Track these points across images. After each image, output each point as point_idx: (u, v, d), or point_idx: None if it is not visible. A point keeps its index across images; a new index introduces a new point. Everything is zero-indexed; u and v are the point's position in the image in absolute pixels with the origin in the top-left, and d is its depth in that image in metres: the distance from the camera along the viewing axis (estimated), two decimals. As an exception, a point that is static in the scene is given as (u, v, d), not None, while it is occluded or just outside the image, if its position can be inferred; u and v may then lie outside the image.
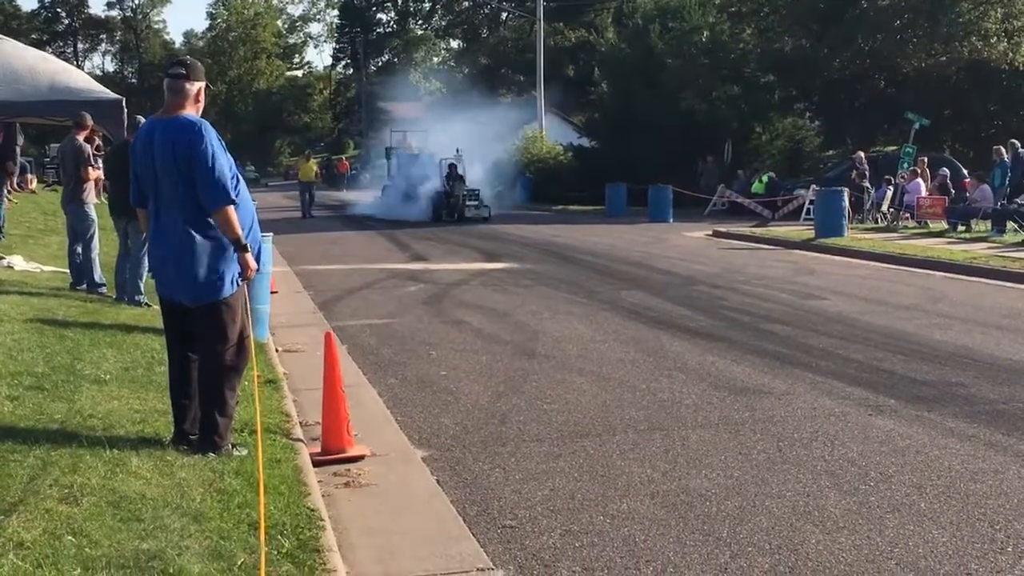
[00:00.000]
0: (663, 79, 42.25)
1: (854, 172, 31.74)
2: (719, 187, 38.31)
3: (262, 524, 5.11)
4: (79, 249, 14.21)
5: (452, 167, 36.20)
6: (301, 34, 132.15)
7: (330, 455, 7.40)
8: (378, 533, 6.12)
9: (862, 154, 33.49)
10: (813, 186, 32.18)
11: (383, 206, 39.17)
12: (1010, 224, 24.69)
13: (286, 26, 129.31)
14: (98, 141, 21.99)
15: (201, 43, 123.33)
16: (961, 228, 26.33)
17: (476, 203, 35.51)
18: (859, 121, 43.86)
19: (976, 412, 8.82)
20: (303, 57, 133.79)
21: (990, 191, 27.01)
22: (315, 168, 43.52)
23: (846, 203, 26.68)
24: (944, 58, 40.73)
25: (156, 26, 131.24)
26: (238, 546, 5.11)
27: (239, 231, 6.60)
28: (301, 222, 36.41)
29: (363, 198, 46.94)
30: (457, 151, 37.05)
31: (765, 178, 37.77)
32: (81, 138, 14.47)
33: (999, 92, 41.32)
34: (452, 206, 35.50)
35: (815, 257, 22.87)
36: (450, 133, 40.59)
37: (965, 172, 31.81)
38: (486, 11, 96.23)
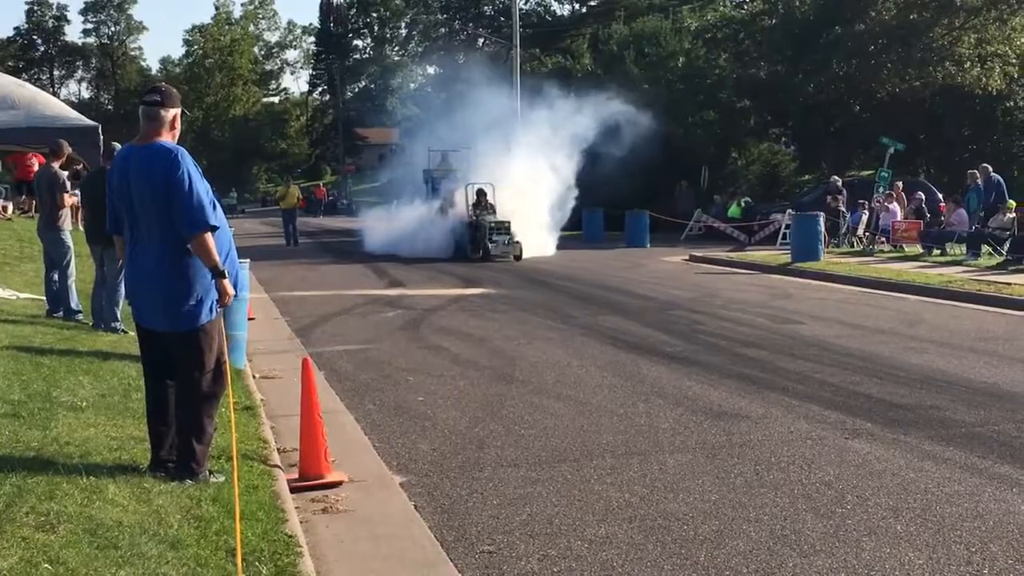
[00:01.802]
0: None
1: (829, 196, 31.90)
2: (696, 212, 38.46)
3: (239, 551, 5.10)
4: (55, 276, 14.16)
5: (481, 194, 30.24)
6: (278, 61, 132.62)
7: (308, 481, 7.39)
8: (356, 559, 6.11)
9: (838, 178, 33.68)
10: (789, 210, 32.34)
11: (419, 242, 31.16)
12: (985, 247, 24.84)
13: (263, 53, 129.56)
14: (78, 168, 21.93)
15: (178, 70, 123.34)
16: (936, 252, 26.46)
17: (505, 238, 29.30)
18: (834, 146, 44.12)
19: (952, 435, 8.86)
20: (280, 83, 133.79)
21: (966, 215, 27.18)
22: (298, 194, 41.07)
23: (822, 227, 26.85)
24: (918, 83, 40.98)
25: (132, 53, 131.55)
26: (216, 573, 5.10)
27: (216, 257, 6.58)
28: (281, 249, 34.89)
29: (353, 225, 44.72)
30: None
31: (742, 203, 37.92)
32: (57, 165, 14.44)
33: (973, 117, 41.62)
34: (477, 241, 29.51)
35: (791, 281, 22.94)
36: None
37: (940, 196, 32.01)
38: (462, 37, 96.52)
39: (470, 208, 30.25)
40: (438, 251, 30.10)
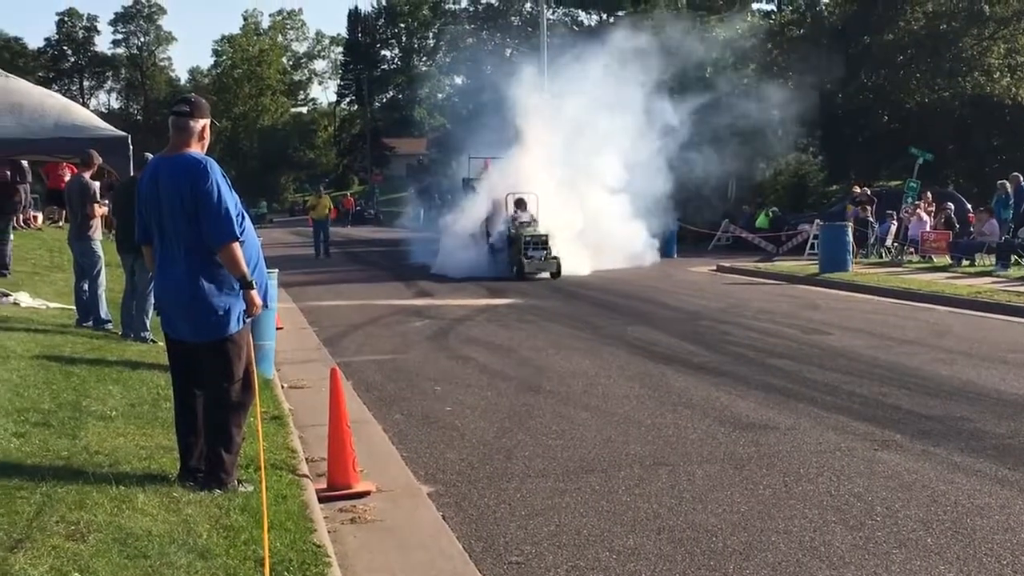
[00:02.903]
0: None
1: (858, 207, 31.78)
2: (723, 222, 38.37)
3: (267, 561, 5.11)
4: (85, 286, 14.21)
5: (520, 203, 27.65)
6: (306, 71, 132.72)
7: (336, 491, 7.40)
8: (384, 569, 6.11)
9: (867, 189, 33.55)
10: (817, 221, 32.21)
11: (458, 257, 28.25)
12: (1014, 258, 24.69)
13: (291, 63, 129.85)
14: (110, 179, 22.02)
15: (206, 80, 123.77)
16: (965, 263, 26.30)
17: (541, 254, 26.58)
18: (863, 156, 43.93)
19: (982, 447, 8.80)
20: (308, 93, 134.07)
21: (997, 225, 27.04)
22: (329, 204, 39.04)
23: (850, 238, 26.72)
24: (947, 93, 40.87)
25: (162, 63, 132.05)
26: (244, 583, 5.11)
27: (244, 268, 6.61)
28: (309, 259, 34.33)
29: (381, 236, 44.15)
30: None
31: (770, 213, 37.82)
32: (88, 175, 14.51)
33: (1002, 127, 41.38)
34: (513, 256, 26.87)
35: (819, 292, 22.85)
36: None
37: (969, 206, 31.86)
38: (490, 48, 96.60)
39: (509, 220, 27.58)
40: (472, 267, 27.33)
